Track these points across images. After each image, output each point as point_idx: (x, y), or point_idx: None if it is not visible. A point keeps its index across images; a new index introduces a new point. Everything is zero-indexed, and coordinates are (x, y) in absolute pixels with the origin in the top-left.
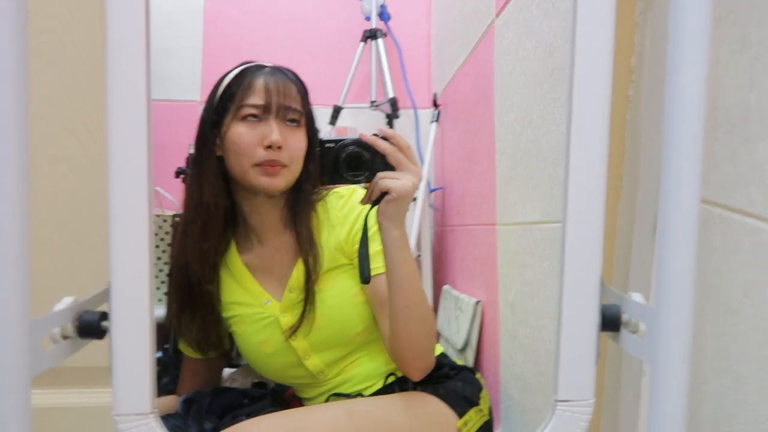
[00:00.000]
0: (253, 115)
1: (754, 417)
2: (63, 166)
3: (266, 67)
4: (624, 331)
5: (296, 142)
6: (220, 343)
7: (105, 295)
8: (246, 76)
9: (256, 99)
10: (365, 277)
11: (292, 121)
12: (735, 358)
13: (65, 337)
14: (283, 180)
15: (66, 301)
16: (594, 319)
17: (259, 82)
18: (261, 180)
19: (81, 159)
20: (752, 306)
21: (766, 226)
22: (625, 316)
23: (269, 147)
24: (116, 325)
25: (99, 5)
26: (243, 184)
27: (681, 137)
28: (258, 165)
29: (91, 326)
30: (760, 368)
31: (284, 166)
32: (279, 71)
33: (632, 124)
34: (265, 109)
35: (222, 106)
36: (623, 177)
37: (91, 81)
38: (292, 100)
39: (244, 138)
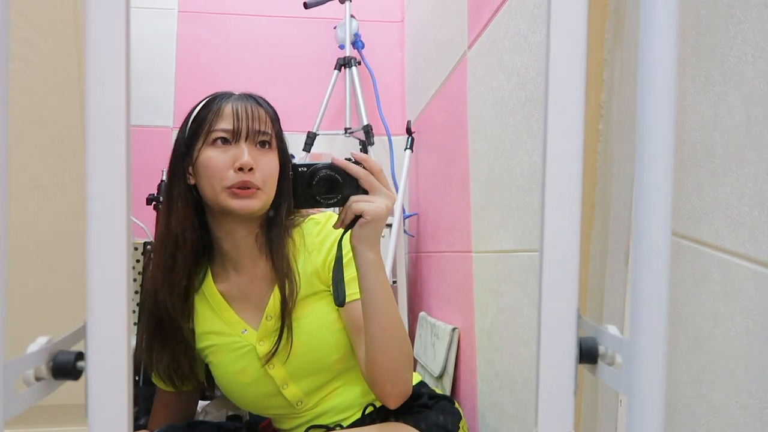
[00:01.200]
0: (224, 139)
1: None
2: (35, 197)
3: (235, 94)
4: (601, 364)
5: (268, 164)
6: (194, 376)
7: (81, 334)
8: (215, 102)
9: (226, 124)
10: (340, 300)
11: (263, 144)
12: (708, 387)
13: (39, 379)
14: (258, 201)
15: (40, 342)
16: (572, 351)
17: (228, 107)
18: (235, 203)
19: (54, 189)
20: (722, 335)
21: (734, 259)
22: (601, 349)
23: (240, 169)
24: (92, 365)
25: (74, 35)
26: (217, 208)
27: (653, 173)
28: (230, 188)
29: (66, 367)
30: (730, 397)
31: (258, 188)
32: (248, 97)
33: (603, 157)
34: (235, 133)
35: (192, 133)
36: (595, 207)
37: (64, 110)
38: (261, 124)
39: (215, 161)
